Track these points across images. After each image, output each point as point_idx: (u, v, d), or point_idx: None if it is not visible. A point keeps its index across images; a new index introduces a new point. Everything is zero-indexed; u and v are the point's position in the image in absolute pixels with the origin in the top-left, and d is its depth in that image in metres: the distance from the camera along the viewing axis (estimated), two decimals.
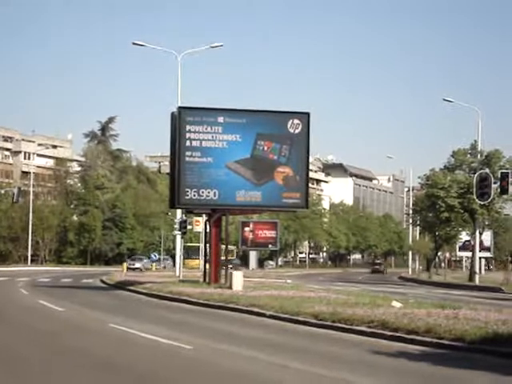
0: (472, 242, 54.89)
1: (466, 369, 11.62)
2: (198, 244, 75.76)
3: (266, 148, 29.85)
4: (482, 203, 40.48)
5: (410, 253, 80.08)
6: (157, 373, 10.94)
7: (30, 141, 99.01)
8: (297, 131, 30.01)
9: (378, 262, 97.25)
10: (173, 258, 75.27)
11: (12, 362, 11.34)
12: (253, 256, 79.67)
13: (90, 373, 10.71)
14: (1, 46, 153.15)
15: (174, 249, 51.52)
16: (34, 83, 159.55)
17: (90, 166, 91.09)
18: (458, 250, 69.75)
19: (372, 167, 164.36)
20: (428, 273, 65.54)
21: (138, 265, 66.55)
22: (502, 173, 28.51)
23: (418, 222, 64.02)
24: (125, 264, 62.25)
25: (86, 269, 67.88)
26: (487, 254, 65.11)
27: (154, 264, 69.16)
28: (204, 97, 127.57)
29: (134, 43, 43.85)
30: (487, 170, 35.00)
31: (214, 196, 29.20)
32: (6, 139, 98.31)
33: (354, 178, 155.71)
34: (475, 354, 12.80)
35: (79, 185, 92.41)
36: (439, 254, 73.91)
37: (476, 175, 29.90)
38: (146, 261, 70.06)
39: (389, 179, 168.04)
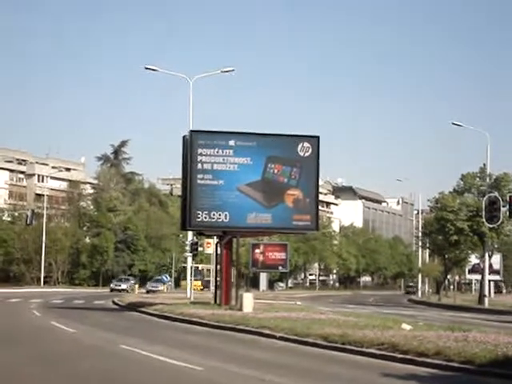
0: (481, 265, 54.79)
1: None
2: (197, 265, 76.04)
3: (276, 171, 30.10)
4: (491, 226, 40.60)
5: (420, 275, 79.83)
6: None
7: (43, 163, 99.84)
8: (307, 154, 30.27)
9: (411, 285, 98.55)
10: (176, 278, 75.45)
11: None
12: (263, 278, 79.81)
13: None
14: (13, 69, 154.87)
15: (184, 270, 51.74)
16: (47, 107, 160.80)
17: (102, 189, 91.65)
18: (467, 272, 69.58)
19: (381, 190, 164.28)
20: (437, 295, 65.34)
21: (123, 286, 66.17)
22: (510, 196, 28.64)
23: (428, 245, 64.02)
24: (137, 286, 62.99)
25: (98, 290, 68.17)
26: (496, 277, 64.91)
27: (165, 285, 69.23)
28: (215, 120, 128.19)
29: (146, 68, 44.32)
30: (496, 194, 35.10)
31: (225, 218, 29.42)
32: (20, 162, 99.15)
33: (363, 200, 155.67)
34: (485, 377, 12.84)
35: (92, 207, 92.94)
36: (449, 276, 73.72)
37: (485, 198, 30.10)
38: (132, 282, 69.29)
39: (398, 202, 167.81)
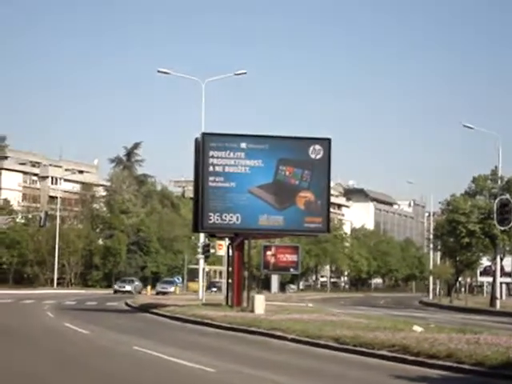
0: (493, 268, 54.68)
1: None
2: (196, 266, 75.73)
3: (287, 173, 30.22)
4: (503, 229, 40.47)
5: (431, 278, 79.66)
6: None
7: (56, 166, 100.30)
8: (318, 157, 30.37)
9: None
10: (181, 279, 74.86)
11: None
12: (275, 280, 79.84)
13: None
14: (26, 73, 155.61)
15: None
16: (60, 109, 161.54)
17: (115, 191, 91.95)
18: (478, 275, 69.37)
19: (393, 192, 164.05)
20: (449, 298, 65.20)
21: (128, 287, 64.51)
22: None
23: (439, 247, 63.84)
24: (149, 287, 62.96)
25: (111, 292, 68.41)
26: (508, 280, 64.70)
27: (177, 287, 69.05)
28: (227, 123, 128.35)
29: (159, 71, 44.51)
30: (508, 196, 34.98)
31: (237, 220, 29.54)
32: (34, 164, 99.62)
33: (374, 202, 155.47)
34: (496, 379, 12.86)
35: (105, 209, 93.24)
36: (460, 279, 73.51)
37: (497, 201, 30.03)
38: (136, 283, 68.12)
39: (409, 204, 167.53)
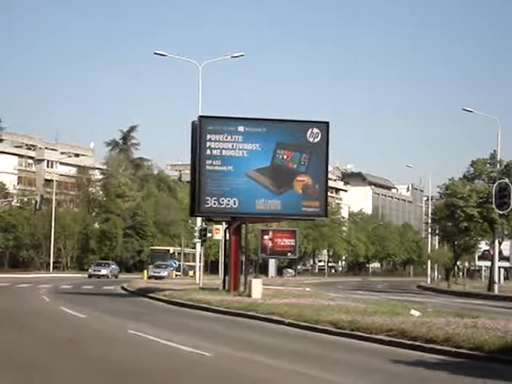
0: (491, 252, 54.62)
1: (484, 378, 11.62)
2: (166, 248, 75.56)
3: (285, 157, 30.02)
4: (502, 213, 40.38)
5: (429, 262, 79.75)
6: (177, 380, 11.10)
7: (52, 149, 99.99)
8: (316, 140, 30.14)
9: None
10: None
11: (34, 370, 11.47)
12: (272, 264, 79.83)
13: (110, 380, 10.88)
14: (22, 56, 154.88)
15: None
16: (56, 92, 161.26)
17: (111, 175, 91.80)
18: (477, 259, 69.37)
19: (391, 176, 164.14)
20: (447, 282, 65.27)
21: (103, 271, 62.18)
22: None
23: (437, 232, 63.83)
24: (145, 271, 62.36)
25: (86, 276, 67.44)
26: (506, 264, 64.65)
27: (173, 271, 68.37)
28: (224, 106, 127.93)
29: (155, 53, 44.18)
30: (507, 180, 34.81)
31: (234, 204, 29.38)
32: (29, 147, 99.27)
33: (372, 186, 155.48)
34: (494, 363, 12.78)
35: (101, 193, 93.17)
36: (458, 263, 73.56)
37: (495, 185, 29.91)
38: (113, 266, 65.76)
39: (408, 188, 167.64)
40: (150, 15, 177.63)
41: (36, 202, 65.27)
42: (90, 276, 60.65)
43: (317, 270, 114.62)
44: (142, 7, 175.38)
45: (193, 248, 61.46)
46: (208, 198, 29.23)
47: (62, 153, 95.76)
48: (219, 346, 14.73)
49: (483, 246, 62.84)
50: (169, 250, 74.45)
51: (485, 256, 63.34)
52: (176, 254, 74.14)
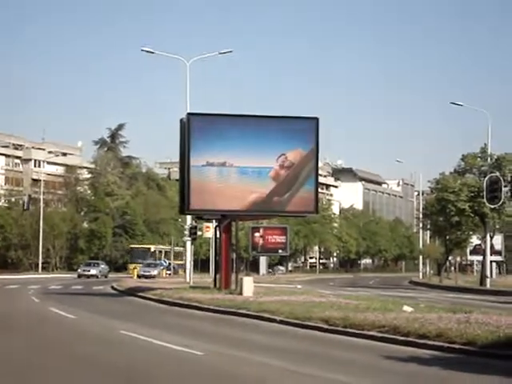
0: (483, 246, 54.67)
1: (477, 373, 11.58)
2: (147, 246, 75.30)
3: (275, 153, 29.80)
4: (493, 207, 40.39)
5: (421, 257, 79.77)
6: (168, 379, 10.98)
7: (39, 148, 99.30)
8: (305, 136, 29.99)
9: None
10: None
11: (24, 371, 11.36)
12: (263, 261, 79.68)
13: (101, 380, 10.76)
14: (9, 55, 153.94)
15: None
16: (43, 91, 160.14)
17: (99, 173, 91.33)
18: (468, 254, 69.44)
19: (381, 171, 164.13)
20: (439, 277, 65.30)
21: (93, 271, 61.17)
22: None
23: (429, 226, 63.81)
24: (135, 271, 61.68)
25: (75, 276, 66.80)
26: (498, 258, 64.84)
27: (164, 270, 67.81)
28: (213, 102, 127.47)
29: (142, 50, 43.90)
30: (497, 174, 34.88)
31: (224, 202, 29.19)
32: (16, 147, 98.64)
33: (363, 182, 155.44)
34: (487, 358, 12.76)
35: (89, 192, 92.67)
36: (450, 258, 73.61)
37: (486, 179, 29.90)
38: (102, 266, 64.61)
39: (398, 183, 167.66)
40: (138, 12, 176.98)
41: (24, 202, 64.92)
42: (80, 276, 60.07)
43: (308, 267, 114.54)
44: (131, 4, 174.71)
45: (183, 246, 61.16)
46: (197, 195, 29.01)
47: (49, 152, 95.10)
48: (211, 344, 14.62)
49: (475, 240, 62.86)
50: (149, 249, 74.06)
51: (476, 250, 63.41)
52: (157, 252, 73.89)
